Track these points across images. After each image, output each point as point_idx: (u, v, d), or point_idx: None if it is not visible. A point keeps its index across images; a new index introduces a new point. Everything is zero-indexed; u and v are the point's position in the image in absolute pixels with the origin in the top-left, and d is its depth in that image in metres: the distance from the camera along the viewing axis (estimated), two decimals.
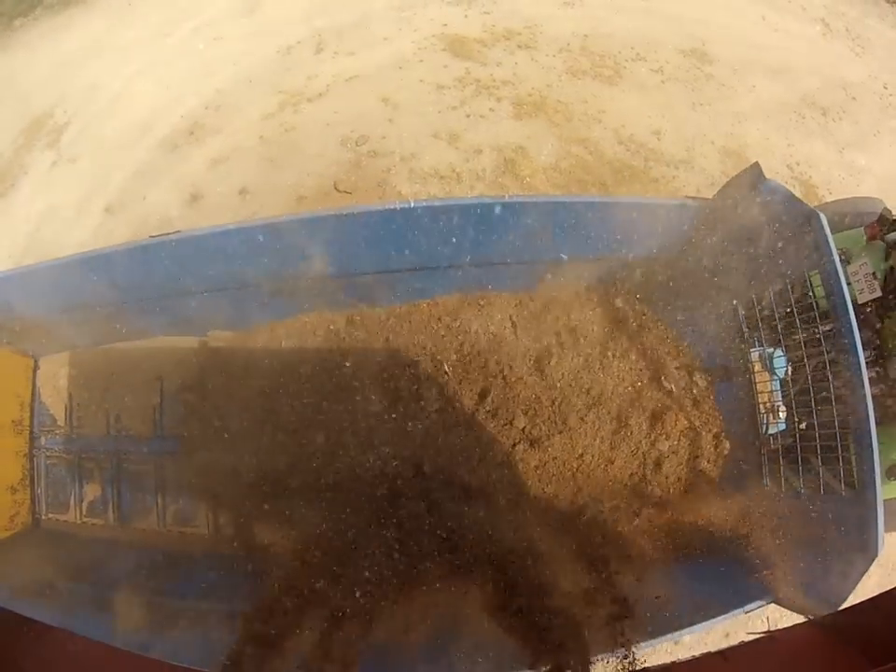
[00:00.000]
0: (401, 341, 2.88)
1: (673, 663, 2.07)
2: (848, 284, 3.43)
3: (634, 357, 2.80)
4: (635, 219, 2.51)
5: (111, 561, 3.31)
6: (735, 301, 2.74)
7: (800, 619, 5.48)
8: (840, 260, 3.46)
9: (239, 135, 5.05)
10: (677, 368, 2.79)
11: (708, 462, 2.74)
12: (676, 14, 5.93)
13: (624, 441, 2.71)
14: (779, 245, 2.49)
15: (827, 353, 2.55)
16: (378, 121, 5.03)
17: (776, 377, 2.71)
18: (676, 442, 2.71)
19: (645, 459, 2.72)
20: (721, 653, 2.05)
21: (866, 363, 3.35)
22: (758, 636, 1.97)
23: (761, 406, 2.70)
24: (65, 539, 3.55)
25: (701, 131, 5.41)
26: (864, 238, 3.55)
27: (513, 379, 2.75)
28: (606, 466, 2.70)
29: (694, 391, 2.78)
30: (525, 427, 2.70)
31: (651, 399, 2.76)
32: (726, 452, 2.76)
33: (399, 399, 2.75)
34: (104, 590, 3.01)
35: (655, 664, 5.18)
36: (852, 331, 2.32)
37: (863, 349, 3.33)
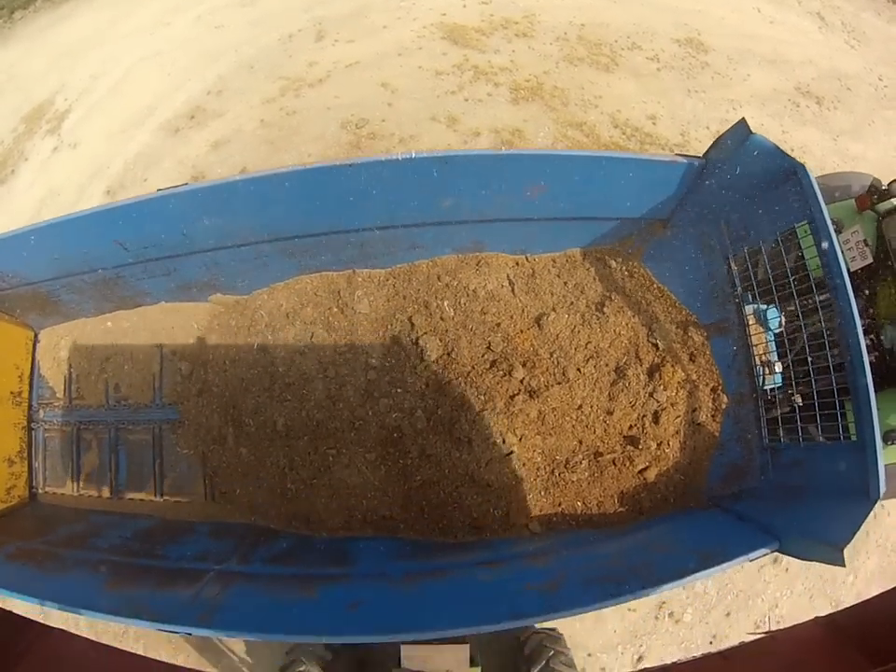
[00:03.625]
0: (401, 298, 3.01)
1: (673, 663, 2.16)
2: (842, 253, 3.60)
3: (630, 314, 2.92)
4: (627, 176, 2.66)
5: (107, 529, 3.38)
6: (728, 257, 2.88)
7: (800, 619, 5.51)
8: (832, 229, 3.66)
9: (240, 119, 5.25)
10: (672, 324, 2.92)
11: (707, 416, 2.84)
12: (671, 5, 6.21)
13: (623, 393, 2.81)
14: (768, 198, 2.64)
15: (823, 317, 2.62)
16: (378, 105, 5.24)
17: (770, 332, 2.82)
18: (674, 394, 2.81)
19: (644, 410, 2.81)
20: (721, 653, 2.18)
21: (867, 338, 3.49)
22: (758, 636, 2.05)
23: (756, 359, 2.81)
24: (62, 510, 3.63)
25: (696, 116, 5.63)
26: (855, 209, 3.73)
27: (512, 333, 2.87)
28: (605, 417, 2.80)
29: (690, 346, 2.88)
30: (523, 378, 2.80)
31: (647, 353, 2.87)
32: (724, 406, 2.85)
33: (398, 351, 2.87)
34: (99, 554, 3.09)
35: (654, 664, 5.19)
36: (842, 276, 2.43)
37: (865, 321, 3.47)
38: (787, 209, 2.62)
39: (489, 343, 2.85)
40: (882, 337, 3.46)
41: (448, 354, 2.85)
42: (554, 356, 2.85)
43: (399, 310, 2.97)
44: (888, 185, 3.58)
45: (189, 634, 2.45)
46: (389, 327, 2.94)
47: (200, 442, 3.35)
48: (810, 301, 2.73)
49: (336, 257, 3.04)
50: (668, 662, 4.84)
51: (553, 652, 3.29)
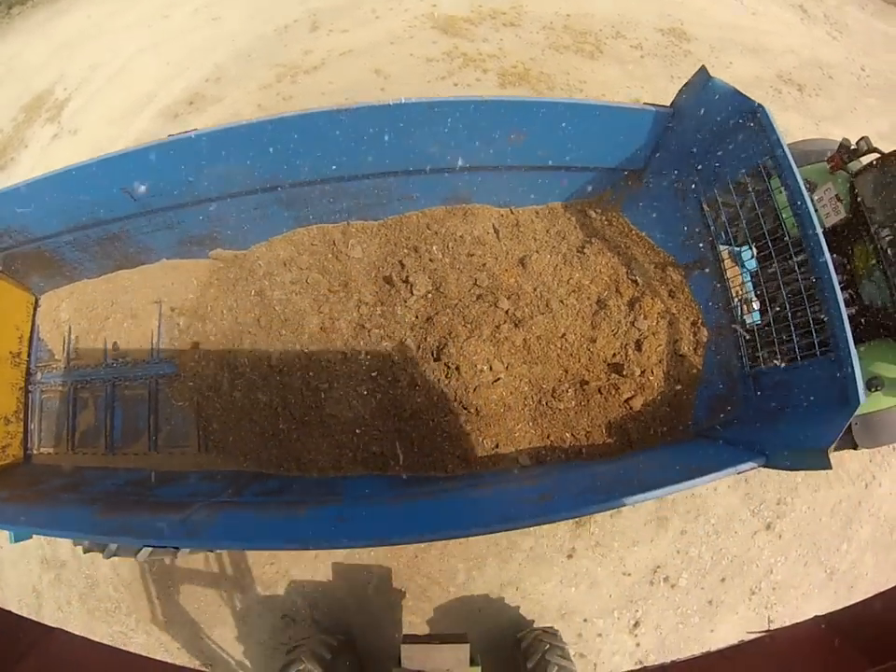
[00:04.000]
0: (392, 245, 3.32)
1: (673, 662, 2.27)
2: (815, 211, 3.94)
3: (610, 255, 3.22)
4: (599, 123, 3.00)
5: (100, 480, 3.60)
6: (701, 201, 3.19)
7: (796, 586, 5.57)
8: (806, 188, 4.01)
9: (238, 104, 5.67)
10: (651, 264, 3.22)
11: (689, 348, 3.11)
12: None
13: (605, 321, 3.09)
14: (734, 140, 2.98)
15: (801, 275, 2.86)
16: (371, 90, 5.69)
17: (745, 270, 3.11)
18: (654, 323, 3.08)
19: (626, 339, 3.08)
20: (721, 653, 2.29)
21: (845, 293, 3.78)
22: (758, 635, 2.16)
23: (733, 292, 3.09)
24: (56, 468, 3.84)
25: None
26: (828, 170, 4.10)
27: (497, 272, 3.17)
28: (588, 345, 3.06)
29: (669, 283, 3.18)
30: (508, 309, 3.08)
31: (627, 288, 3.16)
32: (705, 339, 3.12)
33: (389, 288, 3.17)
34: (94, 495, 3.31)
35: (651, 629, 5.31)
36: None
37: (842, 277, 3.78)
38: (751, 148, 2.94)
39: (475, 280, 3.14)
40: (861, 293, 3.78)
41: (437, 289, 3.15)
42: (538, 290, 3.14)
43: (390, 254, 3.28)
44: (856, 143, 3.95)
45: (176, 548, 2.64)
46: (381, 269, 3.25)
47: (195, 393, 3.59)
48: (789, 260, 2.98)
49: (331, 208, 3.37)
50: (664, 628, 4.97)
51: (549, 646, 3.52)
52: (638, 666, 5.18)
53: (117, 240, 3.57)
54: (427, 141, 2.97)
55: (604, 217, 3.39)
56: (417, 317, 3.09)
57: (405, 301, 3.09)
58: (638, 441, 3.07)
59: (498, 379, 2.99)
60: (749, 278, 3.14)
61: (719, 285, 3.18)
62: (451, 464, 3.06)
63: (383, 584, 4.69)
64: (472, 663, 3.29)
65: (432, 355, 3.03)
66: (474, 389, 2.98)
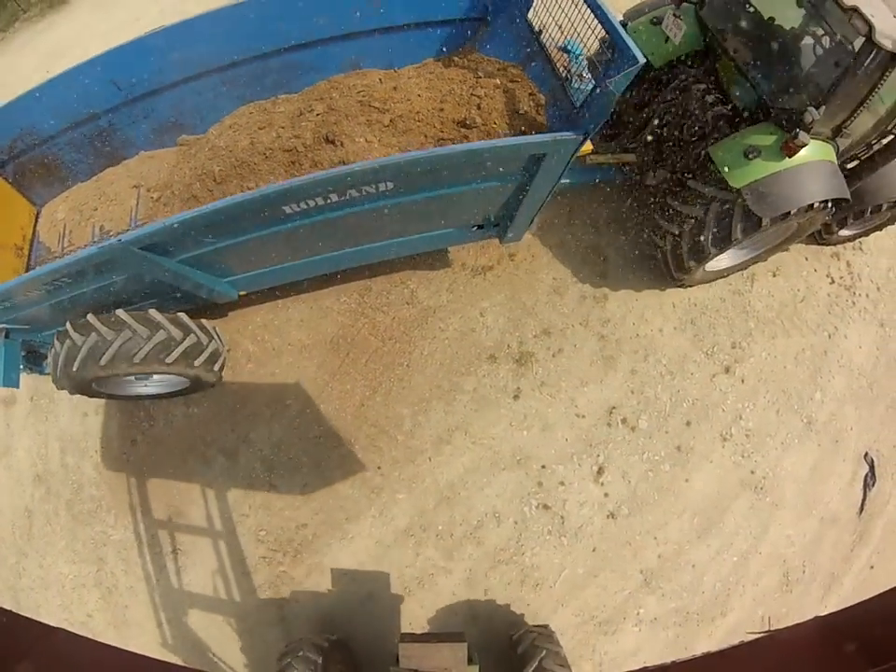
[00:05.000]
0: (307, 102, 5.55)
1: (672, 662, 2.60)
2: (668, 39, 6.02)
3: (463, 70, 5.39)
4: None
5: None
6: (528, 21, 5.24)
7: (771, 434, 6.74)
8: (653, 23, 6.11)
9: None
10: (494, 67, 5.28)
11: (529, 109, 4.97)
12: None
13: (450, 97, 5.10)
14: None
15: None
16: None
17: (573, 54, 5.09)
18: (491, 91, 5.01)
19: (469, 105, 5.03)
20: (720, 653, 2.65)
21: (711, 97, 5.71)
22: (757, 635, 2.47)
23: (564, 71, 4.96)
24: None
25: None
26: (673, 6, 6.00)
27: (377, 95, 5.30)
28: (438, 113, 5.03)
29: (509, 76, 5.16)
30: (379, 106, 5.16)
31: (471, 80, 5.24)
32: (543, 102, 5.00)
33: (300, 116, 5.34)
34: None
35: (616, 477, 6.39)
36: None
37: (707, 86, 5.78)
38: None
39: (359, 100, 5.27)
40: (732, 98, 5.67)
41: (330, 109, 5.27)
42: (402, 94, 5.26)
43: (305, 106, 5.48)
44: None
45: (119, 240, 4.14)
46: (296, 113, 5.44)
47: None
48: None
49: (262, 85, 5.62)
50: (633, 476, 5.99)
51: (545, 652, 4.28)
52: (610, 519, 5.98)
53: (105, 135, 5.84)
54: (313, 14, 5.29)
55: (465, 58, 5.56)
56: (315, 125, 5.18)
57: (307, 118, 5.24)
58: None
59: (372, 145, 4.95)
60: (576, 59, 5.14)
61: (552, 68, 5.13)
62: None
63: (332, 439, 6.06)
64: (470, 661, 3.97)
65: (325, 139, 5.04)
66: (355, 154, 4.92)
